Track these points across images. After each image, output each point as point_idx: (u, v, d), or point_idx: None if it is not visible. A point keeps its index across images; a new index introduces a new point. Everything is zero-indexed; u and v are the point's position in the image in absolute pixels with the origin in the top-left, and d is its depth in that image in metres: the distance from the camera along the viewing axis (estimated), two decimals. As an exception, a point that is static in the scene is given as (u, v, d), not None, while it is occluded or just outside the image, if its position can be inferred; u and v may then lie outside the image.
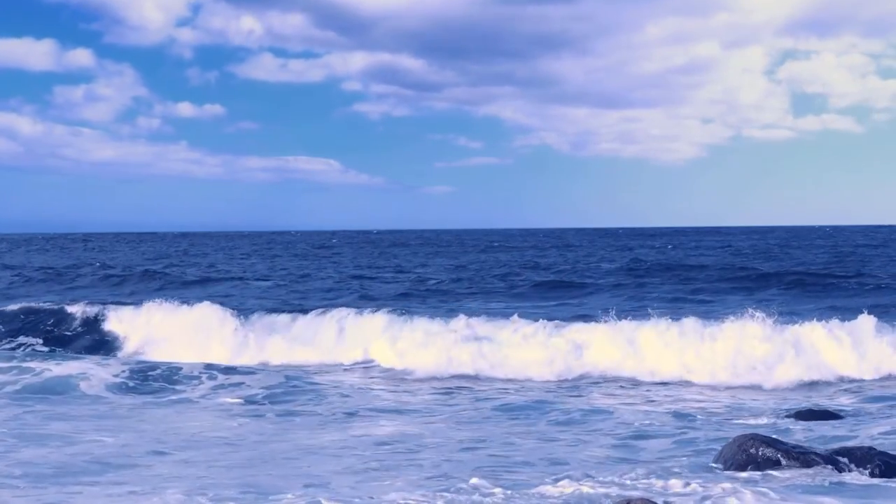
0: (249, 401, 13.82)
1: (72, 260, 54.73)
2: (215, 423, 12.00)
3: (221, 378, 15.43)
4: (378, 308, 20.55)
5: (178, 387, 14.96)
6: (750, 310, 16.35)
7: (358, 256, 57.65)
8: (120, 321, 21.57)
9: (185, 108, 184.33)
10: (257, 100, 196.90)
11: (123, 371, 15.66)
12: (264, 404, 13.59)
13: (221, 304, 21.85)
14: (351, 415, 12.54)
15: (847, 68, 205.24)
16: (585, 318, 19.34)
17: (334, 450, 10.03)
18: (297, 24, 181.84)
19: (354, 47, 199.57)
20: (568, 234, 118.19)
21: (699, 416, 11.96)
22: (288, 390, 14.59)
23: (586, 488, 7.93)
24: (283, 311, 21.61)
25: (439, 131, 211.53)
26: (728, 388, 14.60)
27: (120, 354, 19.95)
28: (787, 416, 11.61)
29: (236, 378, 15.45)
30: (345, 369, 17.30)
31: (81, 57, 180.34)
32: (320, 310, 20.97)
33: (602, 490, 7.87)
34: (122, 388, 14.73)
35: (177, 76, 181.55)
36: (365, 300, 26.09)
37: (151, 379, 15.40)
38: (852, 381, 14.91)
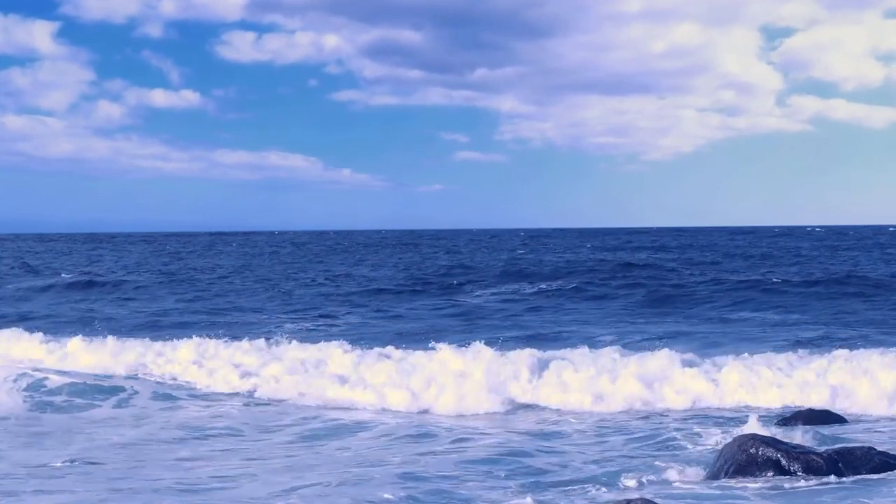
0: None
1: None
2: None
3: None
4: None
5: None
6: None
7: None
8: None
9: (158, 96, 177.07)
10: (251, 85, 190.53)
11: None
12: None
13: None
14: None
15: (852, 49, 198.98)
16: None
17: None
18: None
19: (350, 24, 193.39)
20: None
21: (696, 417, 11.96)
22: None
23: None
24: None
25: (426, 126, 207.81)
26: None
27: None
28: (787, 417, 11.61)
29: None
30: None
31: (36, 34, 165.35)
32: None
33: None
34: None
35: (146, 58, 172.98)
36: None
37: None
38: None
